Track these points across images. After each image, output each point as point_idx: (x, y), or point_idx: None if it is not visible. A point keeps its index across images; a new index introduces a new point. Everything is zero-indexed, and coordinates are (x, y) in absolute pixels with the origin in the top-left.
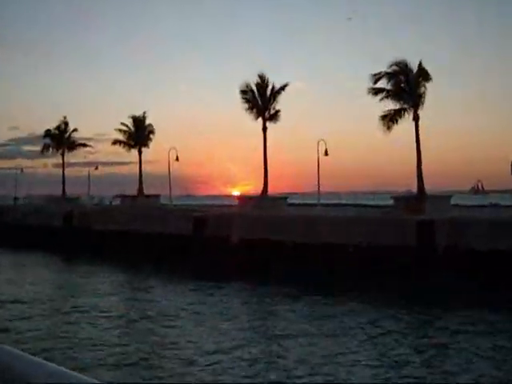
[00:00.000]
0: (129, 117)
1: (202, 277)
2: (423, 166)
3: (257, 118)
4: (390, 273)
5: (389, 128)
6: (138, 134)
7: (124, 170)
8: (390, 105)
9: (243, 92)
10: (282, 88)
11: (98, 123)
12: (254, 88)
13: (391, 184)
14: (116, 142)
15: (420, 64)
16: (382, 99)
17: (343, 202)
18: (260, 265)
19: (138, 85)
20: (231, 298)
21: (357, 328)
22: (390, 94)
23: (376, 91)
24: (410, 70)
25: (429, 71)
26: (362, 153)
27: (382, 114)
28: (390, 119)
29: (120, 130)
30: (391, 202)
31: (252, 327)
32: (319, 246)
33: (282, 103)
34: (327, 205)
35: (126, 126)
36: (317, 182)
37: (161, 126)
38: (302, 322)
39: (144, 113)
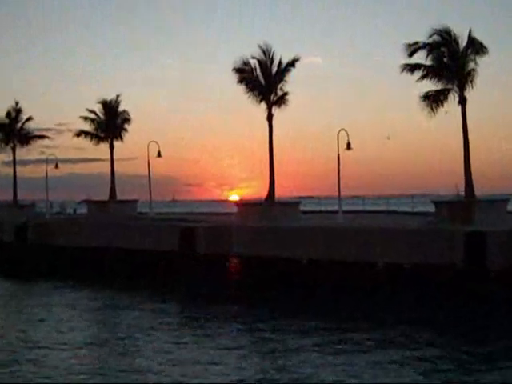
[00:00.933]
0: (98, 102)
1: (189, 307)
2: (472, 162)
3: (260, 102)
4: (430, 298)
5: (433, 110)
6: (110, 123)
7: (92, 168)
8: (429, 85)
9: (239, 71)
10: (292, 63)
11: (59, 110)
12: (256, 65)
13: (431, 185)
14: (81, 133)
15: (470, 33)
16: (421, 78)
17: (371, 208)
18: (265, 290)
19: (109, 63)
20: (229, 342)
21: None
22: (430, 72)
23: (412, 68)
24: (456, 41)
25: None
26: (393, 146)
27: (423, 94)
28: (433, 100)
29: (86, 119)
30: (432, 207)
31: None
32: (343, 265)
33: (291, 84)
34: (351, 212)
35: (94, 113)
36: (337, 184)
37: (138, 114)
38: None
39: (117, 96)
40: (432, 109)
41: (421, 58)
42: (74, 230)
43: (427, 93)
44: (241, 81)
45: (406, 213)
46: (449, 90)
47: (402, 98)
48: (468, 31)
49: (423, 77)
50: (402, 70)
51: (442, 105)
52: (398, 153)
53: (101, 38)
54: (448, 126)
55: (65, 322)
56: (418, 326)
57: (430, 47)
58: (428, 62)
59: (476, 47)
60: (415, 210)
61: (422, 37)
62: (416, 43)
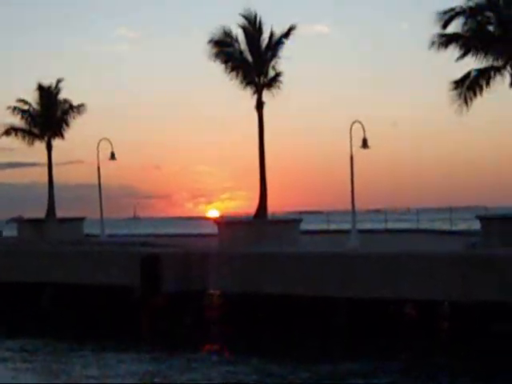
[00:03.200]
0: (34, 89)
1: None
2: None
3: (246, 86)
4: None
5: (467, 102)
6: (47, 115)
7: (23, 176)
8: (469, 65)
9: (218, 44)
10: (286, 34)
11: None
12: (241, 35)
13: (476, 196)
14: (11, 130)
15: None
16: (462, 55)
17: (394, 225)
18: (260, 340)
19: (45, 39)
20: None
21: None
22: (469, 44)
23: (446, 40)
24: (506, 4)
25: None
26: (424, 145)
27: (456, 79)
28: (468, 87)
29: (16, 110)
30: (477, 225)
31: None
32: (356, 304)
33: (287, 62)
34: (369, 231)
35: (27, 102)
36: (349, 193)
37: (85, 105)
38: None
39: (58, 81)
40: (466, 100)
41: (457, 26)
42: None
43: (467, 74)
44: (221, 58)
45: (442, 232)
46: (495, 70)
47: (435, 80)
48: None
49: (464, 54)
50: (432, 45)
51: (481, 93)
52: (429, 152)
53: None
54: (494, 117)
55: None
56: None
57: (471, 12)
58: (467, 33)
59: None
60: (454, 228)
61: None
62: (451, 10)
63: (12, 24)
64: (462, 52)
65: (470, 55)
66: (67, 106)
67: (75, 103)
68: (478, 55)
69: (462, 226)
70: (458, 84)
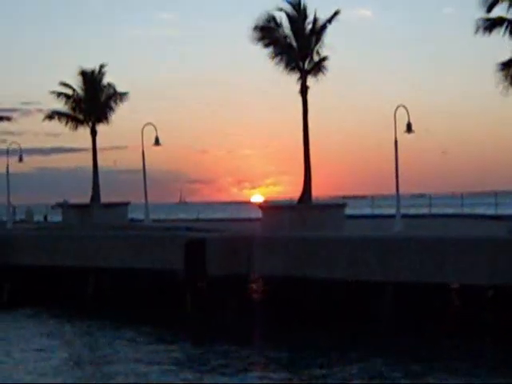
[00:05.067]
0: (77, 74)
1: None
2: None
3: (290, 71)
4: None
5: None
6: (91, 100)
7: (68, 161)
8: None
9: (263, 29)
10: (330, 19)
11: (24, 86)
12: (285, 21)
13: None
14: (54, 114)
15: None
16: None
17: (439, 210)
18: (304, 325)
19: (90, 25)
20: None
21: None
22: None
23: (491, 24)
24: None
25: None
26: (469, 129)
27: (503, 61)
28: None
29: (60, 95)
30: None
31: None
32: (401, 288)
33: (331, 46)
34: (413, 216)
35: (70, 87)
36: (394, 178)
37: (129, 90)
38: None
39: (101, 66)
40: None
41: (502, 10)
42: (46, 246)
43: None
44: (265, 43)
45: (486, 216)
46: None
47: (481, 64)
48: None
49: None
50: (477, 29)
51: None
52: (475, 137)
53: None
54: None
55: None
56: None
57: None
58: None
59: None
60: (500, 212)
61: None
62: None
63: (55, 12)
64: (507, 36)
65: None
66: (111, 90)
67: (119, 88)
68: None
69: (508, 211)
70: (505, 65)
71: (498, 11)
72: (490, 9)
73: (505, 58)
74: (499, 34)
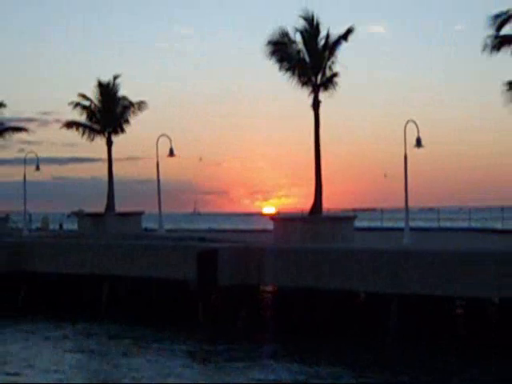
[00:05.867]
0: (95, 86)
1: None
2: None
3: (303, 85)
4: None
5: None
6: (107, 111)
7: (84, 171)
8: None
9: (276, 44)
10: (345, 36)
11: (43, 96)
12: (298, 35)
13: None
14: (72, 124)
15: None
16: None
17: (448, 224)
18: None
19: (106, 36)
20: None
21: None
22: None
23: (499, 42)
24: None
25: None
26: (478, 144)
27: (511, 80)
28: None
29: (77, 106)
30: None
31: None
32: (409, 300)
33: (344, 62)
34: (422, 229)
35: (88, 98)
36: (403, 192)
37: (145, 102)
38: None
39: (115, 78)
40: None
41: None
42: (62, 253)
43: None
44: (278, 57)
45: (494, 230)
46: None
47: (490, 80)
48: None
49: None
50: (486, 47)
51: None
52: (484, 152)
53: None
54: None
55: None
56: None
57: None
58: None
59: None
60: (507, 227)
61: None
62: (505, 13)
63: (74, 23)
64: None
65: None
66: (127, 102)
67: (135, 100)
68: None
69: None
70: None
71: (508, 29)
72: (499, 27)
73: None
74: (507, 53)
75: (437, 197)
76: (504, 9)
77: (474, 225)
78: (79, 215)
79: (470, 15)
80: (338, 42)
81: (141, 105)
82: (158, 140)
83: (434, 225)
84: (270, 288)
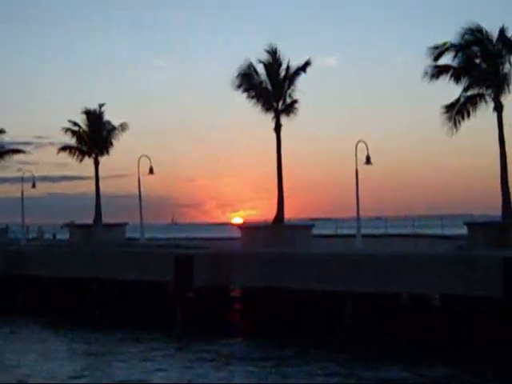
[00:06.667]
0: (81, 112)
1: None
2: (510, 178)
3: (266, 111)
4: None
5: (456, 124)
6: (94, 135)
7: (75, 188)
8: (457, 91)
9: (244, 76)
10: (303, 68)
11: (39, 122)
12: (262, 69)
13: (464, 205)
14: (65, 148)
15: (502, 31)
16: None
17: (394, 231)
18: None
19: (93, 68)
20: None
21: None
22: (458, 75)
23: (438, 71)
24: (489, 39)
25: None
26: (418, 160)
27: (447, 104)
28: (458, 111)
29: (67, 131)
30: (464, 230)
31: None
32: (361, 297)
33: (302, 90)
34: (372, 236)
35: (77, 124)
36: (355, 203)
37: (127, 123)
38: None
39: (100, 106)
40: (455, 123)
41: (448, 60)
42: (56, 260)
43: (457, 100)
44: (244, 88)
45: (434, 236)
46: (481, 96)
47: (428, 104)
48: (499, 29)
49: (454, 78)
50: (425, 75)
51: (469, 116)
52: (424, 168)
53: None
54: (482, 138)
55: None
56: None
57: (460, 47)
58: (456, 64)
59: (510, 46)
60: (445, 233)
61: (448, 37)
62: (443, 45)
63: (58, 57)
64: (451, 81)
65: (457, 83)
66: (111, 126)
67: (117, 123)
68: (465, 83)
69: (451, 232)
70: (449, 108)
71: (445, 60)
72: (437, 58)
73: (449, 101)
74: (444, 80)
75: (384, 207)
76: (440, 41)
77: (415, 231)
78: (70, 226)
79: (409, 48)
80: (296, 72)
81: (123, 126)
82: (139, 160)
83: (382, 231)
84: (238, 288)
